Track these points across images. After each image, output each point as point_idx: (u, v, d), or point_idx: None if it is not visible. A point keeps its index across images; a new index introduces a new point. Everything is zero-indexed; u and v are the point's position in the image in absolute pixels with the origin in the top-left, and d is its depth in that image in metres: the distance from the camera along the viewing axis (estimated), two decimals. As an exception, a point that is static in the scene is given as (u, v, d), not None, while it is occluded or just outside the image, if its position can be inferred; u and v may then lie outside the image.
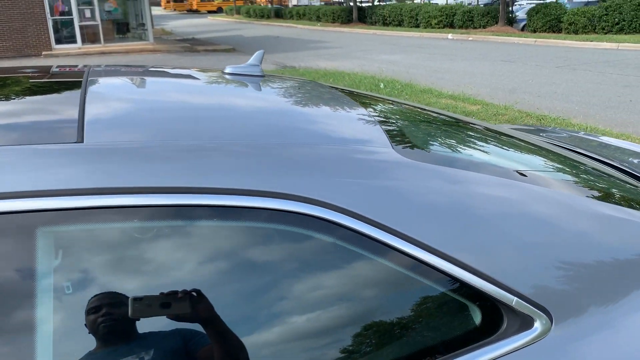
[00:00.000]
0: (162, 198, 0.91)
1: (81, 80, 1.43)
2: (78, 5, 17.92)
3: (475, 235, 1.01)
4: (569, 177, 1.45)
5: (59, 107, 1.24)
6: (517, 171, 1.27)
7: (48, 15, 17.55)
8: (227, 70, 1.74)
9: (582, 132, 3.36)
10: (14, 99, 1.32)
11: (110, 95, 1.36)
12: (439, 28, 23.47)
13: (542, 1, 23.76)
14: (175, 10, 64.08)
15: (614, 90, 8.79)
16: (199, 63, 14.86)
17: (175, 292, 0.90)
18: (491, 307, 1.00)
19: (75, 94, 1.31)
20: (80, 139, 0.99)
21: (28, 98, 1.35)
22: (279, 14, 40.11)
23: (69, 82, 1.55)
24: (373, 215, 0.97)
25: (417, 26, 24.94)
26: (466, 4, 25.82)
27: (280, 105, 1.47)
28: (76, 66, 1.83)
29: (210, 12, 58.17)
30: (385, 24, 27.22)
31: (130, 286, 0.90)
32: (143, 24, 19.82)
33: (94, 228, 0.89)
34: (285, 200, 0.95)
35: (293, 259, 0.97)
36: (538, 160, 1.54)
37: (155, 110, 1.24)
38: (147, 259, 0.91)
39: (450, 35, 21.13)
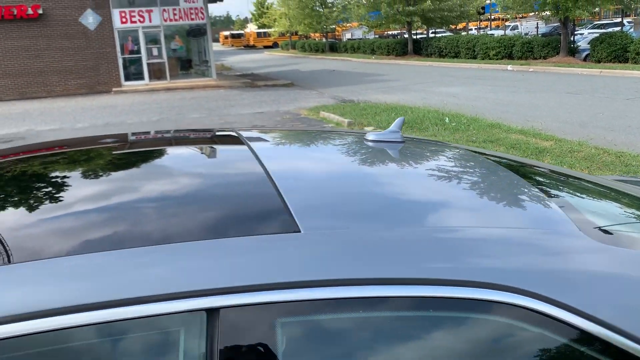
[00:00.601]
0: (384, 290, 0.90)
1: (250, 154, 1.48)
2: (146, 44, 18.85)
3: None
4: None
5: (249, 188, 1.26)
6: None
7: (119, 54, 18.55)
8: (370, 137, 1.75)
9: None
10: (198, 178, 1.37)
11: (289, 172, 1.40)
12: (497, 59, 23.22)
13: (604, 30, 23.13)
14: (232, 46, 66.39)
15: (695, 124, 8.37)
16: (260, 98, 15.25)
17: None
18: None
19: (254, 167, 1.35)
20: (297, 228, 1.00)
21: (211, 177, 1.40)
22: (334, 48, 40.82)
23: (239, 156, 1.58)
24: (582, 306, 0.92)
25: (475, 57, 24.77)
26: (523, 35, 25.46)
27: (443, 182, 1.44)
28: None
29: (266, 47, 59.92)
30: (442, 55, 27.18)
31: None
32: (206, 61, 20.61)
33: (320, 319, 0.91)
34: (489, 289, 0.92)
35: (497, 351, 0.95)
36: None
37: (340, 187, 1.30)
38: (370, 348, 0.92)
39: (509, 67, 20.85)
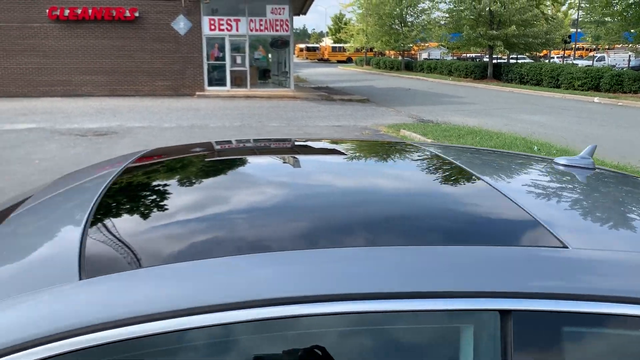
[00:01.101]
0: None
1: (464, 169, 1.62)
2: (231, 52, 19.47)
3: None
4: None
5: (492, 202, 1.34)
6: None
7: (204, 60, 19.24)
8: (560, 161, 1.77)
9: None
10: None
11: (513, 187, 1.52)
12: (582, 90, 22.33)
13: None
14: (307, 58, 67.49)
15: None
16: (336, 112, 15.36)
17: None
18: None
19: (479, 184, 1.47)
20: (562, 244, 1.06)
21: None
22: (409, 66, 40.65)
23: (453, 170, 1.68)
24: None
25: (558, 87, 23.93)
26: (611, 66, 24.36)
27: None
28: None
29: (340, 61, 60.51)
30: (522, 82, 26.45)
31: None
32: (286, 72, 21.02)
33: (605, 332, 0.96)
34: None
35: None
36: None
37: (582, 207, 1.41)
38: None
39: (596, 99, 19.98)
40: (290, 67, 20.73)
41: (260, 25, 19.49)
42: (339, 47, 63.50)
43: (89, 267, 0.98)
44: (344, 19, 66.75)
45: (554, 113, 15.84)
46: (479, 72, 30.09)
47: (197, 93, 19.00)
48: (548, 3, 35.82)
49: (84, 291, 0.92)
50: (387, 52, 48.56)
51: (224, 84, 19.68)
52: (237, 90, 19.44)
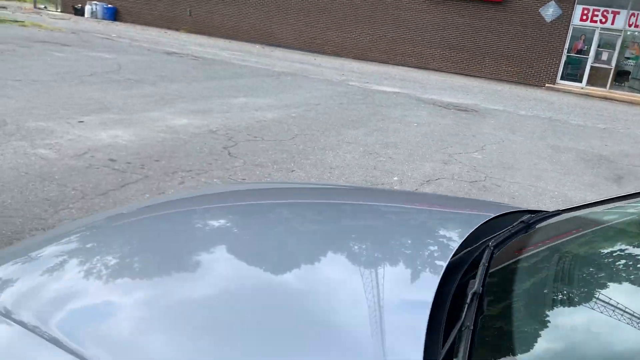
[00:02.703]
0: None
1: None
2: (598, 46, 17.59)
3: None
4: None
5: None
6: None
7: (564, 52, 17.86)
8: None
9: None
10: None
11: None
12: None
13: None
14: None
15: None
16: None
17: None
18: None
19: None
20: None
21: None
22: None
23: None
24: None
25: None
26: None
27: None
28: None
29: None
30: None
31: None
32: (658, 77, 18.10)
33: None
34: None
35: None
36: None
37: None
38: None
39: None
40: (664, 72, 17.74)
41: (642, 20, 17.03)
42: None
43: None
44: None
45: None
46: None
47: (547, 85, 17.84)
48: None
49: None
50: None
51: (578, 80, 18.02)
52: (594, 89, 17.57)
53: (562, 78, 18.11)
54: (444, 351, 0.85)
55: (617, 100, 16.72)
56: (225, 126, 6.47)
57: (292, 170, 5.01)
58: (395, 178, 5.16)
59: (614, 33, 17.42)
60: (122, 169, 4.48)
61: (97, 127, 5.71)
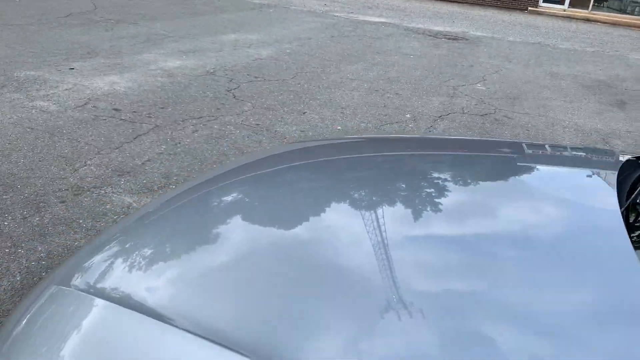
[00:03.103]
0: None
1: None
2: (582, -34, 17.19)
3: None
4: None
5: None
6: None
7: (547, -28, 17.43)
8: None
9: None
10: None
11: None
12: None
13: None
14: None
15: None
16: None
17: None
18: None
19: None
20: None
21: None
22: None
23: None
24: None
25: None
26: None
27: None
28: None
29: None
30: None
31: None
32: (640, -3, 17.90)
33: None
34: None
35: None
36: None
37: None
38: None
39: None
40: (646, -9, 17.51)
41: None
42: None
43: None
44: None
45: None
46: None
47: (530, 8, 17.53)
48: None
49: None
50: None
51: (560, 2, 17.72)
52: (575, 11, 17.34)
53: (544, 0, 17.78)
54: None
55: (599, 22, 16.57)
56: (222, 66, 6.20)
57: (304, 112, 4.85)
58: (408, 115, 5.06)
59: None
60: (129, 119, 4.28)
61: (91, 74, 5.41)
